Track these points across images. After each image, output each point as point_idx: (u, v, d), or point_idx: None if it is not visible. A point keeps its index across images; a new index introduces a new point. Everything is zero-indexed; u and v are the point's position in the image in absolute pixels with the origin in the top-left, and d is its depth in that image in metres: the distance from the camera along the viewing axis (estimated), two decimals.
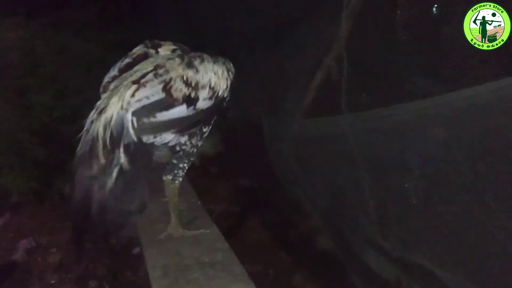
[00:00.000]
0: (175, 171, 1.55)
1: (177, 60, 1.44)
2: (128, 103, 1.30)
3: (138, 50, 1.57)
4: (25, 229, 3.26)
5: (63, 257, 3.00)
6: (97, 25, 4.16)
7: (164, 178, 1.55)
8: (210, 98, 1.47)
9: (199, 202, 1.92)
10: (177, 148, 1.51)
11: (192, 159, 1.57)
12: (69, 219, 1.41)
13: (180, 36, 4.46)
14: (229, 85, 1.52)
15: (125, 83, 1.36)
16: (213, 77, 1.46)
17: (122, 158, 1.27)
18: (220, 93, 1.50)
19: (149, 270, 1.40)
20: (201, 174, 4.07)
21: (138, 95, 1.31)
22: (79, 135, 1.36)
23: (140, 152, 1.32)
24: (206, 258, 1.45)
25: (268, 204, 3.43)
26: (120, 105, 1.30)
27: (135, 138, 1.30)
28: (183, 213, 1.75)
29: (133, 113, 1.31)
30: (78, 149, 1.35)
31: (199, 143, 1.55)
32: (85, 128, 1.35)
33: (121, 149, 1.28)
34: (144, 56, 1.53)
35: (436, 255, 2.18)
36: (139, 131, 1.32)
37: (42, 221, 3.32)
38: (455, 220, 2.06)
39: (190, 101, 1.41)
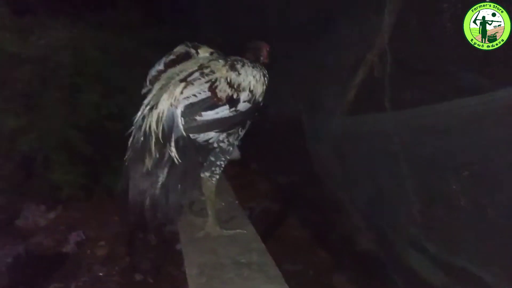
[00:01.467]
0: (213, 168, 1.59)
1: (221, 62, 1.50)
2: (177, 100, 1.36)
3: (180, 49, 1.64)
4: (75, 223, 3.42)
5: (110, 250, 3.12)
6: (140, 25, 4.26)
7: (202, 175, 1.59)
8: (249, 101, 1.52)
9: (236, 202, 1.93)
10: (215, 145, 1.54)
11: (228, 157, 1.61)
12: (120, 213, 1.46)
13: (220, 35, 4.53)
14: (264, 90, 1.57)
15: (173, 81, 1.42)
16: (252, 81, 1.51)
17: (173, 152, 1.33)
18: (257, 97, 1.55)
19: (186, 268, 1.42)
20: (242, 172, 4.10)
21: (186, 92, 1.38)
22: (130, 130, 1.44)
23: (188, 148, 1.38)
24: (242, 258, 1.46)
25: (308, 202, 3.40)
26: (170, 101, 1.36)
27: (184, 134, 1.36)
28: (221, 212, 1.78)
29: (182, 111, 1.36)
30: (130, 144, 1.42)
31: (235, 142, 1.59)
32: (136, 122, 1.43)
33: (172, 144, 1.33)
34: (186, 55, 1.61)
35: (484, 259, 2.08)
36: (187, 129, 1.37)
37: (91, 215, 3.47)
38: (507, 224, 1.96)
39: (232, 102, 1.46)
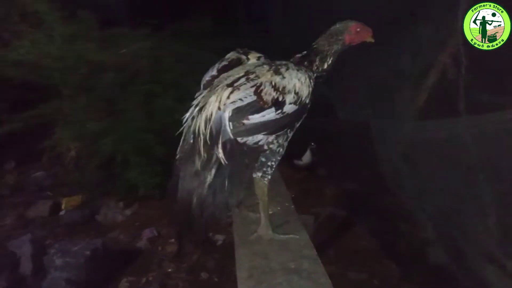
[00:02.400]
0: (264, 169, 1.62)
1: (266, 67, 1.54)
2: (224, 104, 1.41)
3: (231, 55, 1.70)
4: (149, 220, 3.62)
5: (179, 247, 3.25)
6: (213, 34, 4.42)
7: (254, 175, 1.62)
8: (295, 102, 1.53)
9: (292, 207, 1.92)
10: (265, 147, 1.57)
11: (279, 158, 1.63)
12: (170, 212, 1.54)
13: (290, 42, 4.56)
14: (310, 92, 1.57)
15: (221, 85, 1.48)
16: (297, 83, 1.53)
17: (221, 154, 1.38)
18: (303, 99, 1.55)
19: (237, 270, 1.45)
20: (309, 177, 4.08)
21: (233, 97, 1.43)
22: (180, 130, 1.52)
23: (235, 151, 1.43)
24: (292, 264, 1.45)
25: (377, 210, 3.29)
26: (217, 105, 1.42)
27: (231, 136, 1.41)
28: (276, 216, 1.79)
29: (230, 116, 1.41)
30: (180, 144, 1.50)
31: (285, 144, 1.61)
32: (185, 123, 1.51)
33: (220, 146, 1.39)
34: (238, 61, 1.66)
35: None
36: (236, 133, 1.41)
37: (163, 213, 3.66)
38: None
39: (278, 104, 1.49)
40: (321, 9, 3.87)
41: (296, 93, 1.51)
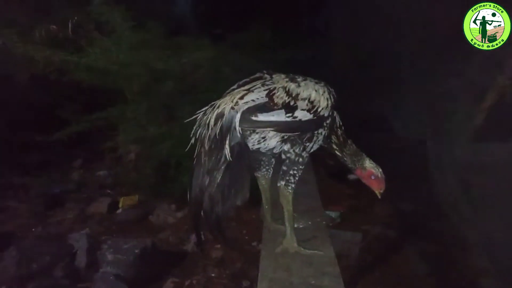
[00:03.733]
0: (287, 177, 1.64)
1: (283, 76, 1.58)
2: (237, 103, 1.46)
3: (255, 75, 1.74)
4: None
5: (224, 253, 3.30)
6: (272, 46, 4.48)
7: (278, 184, 1.65)
8: (309, 110, 1.57)
9: (324, 223, 1.89)
10: (283, 156, 1.63)
11: (301, 167, 1.64)
12: (188, 209, 1.61)
13: (351, 54, 4.52)
14: (329, 105, 1.58)
15: (237, 90, 1.55)
16: (313, 93, 1.57)
17: (227, 150, 1.43)
18: (319, 110, 1.59)
19: (258, 281, 1.46)
20: (361, 193, 3.97)
21: (246, 98, 1.48)
22: (193, 132, 1.58)
23: (243, 154, 1.47)
24: (313, 280, 1.43)
25: (428, 233, 3.13)
26: (231, 104, 1.47)
27: (239, 137, 1.46)
28: (305, 230, 1.78)
29: (241, 116, 1.46)
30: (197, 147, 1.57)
31: (304, 154, 1.62)
32: (198, 123, 1.57)
33: (227, 143, 1.44)
34: (260, 78, 1.69)
35: None
36: (242, 122, 1.46)
37: None
38: None
39: (288, 108, 1.54)
40: (384, 23, 3.82)
41: (310, 102, 1.56)
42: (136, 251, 3.04)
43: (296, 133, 1.57)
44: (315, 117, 1.57)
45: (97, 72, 3.71)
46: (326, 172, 4.38)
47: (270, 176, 1.78)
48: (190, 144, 1.62)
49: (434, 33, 2.84)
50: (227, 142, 1.46)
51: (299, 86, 1.57)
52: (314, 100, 1.57)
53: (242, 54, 4.11)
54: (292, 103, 1.53)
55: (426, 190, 3.11)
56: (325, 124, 1.63)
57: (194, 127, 1.60)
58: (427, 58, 2.97)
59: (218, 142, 1.47)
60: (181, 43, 4.25)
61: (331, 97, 1.62)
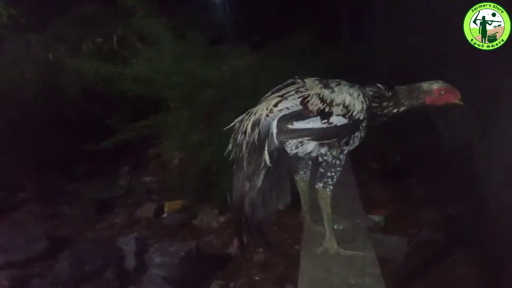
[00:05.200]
0: (324, 179, 1.64)
1: (316, 82, 1.59)
2: (272, 111, 1.48)
3: (288, 81, 1.75)
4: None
5: (267, 257, 3.31)
6: (312, 52, 4.48)
7: (316, 186, 1.65)
8: (344, 115, 1.57)
9: (364, 224, 1.88)
10: (320, 159, 1.63)
11: (339, 169, 1.64)
12: (231, 217, 1.64)
13: (392, 61, 4.44)
14: (364, 108, 1.57)
15: (271, 95, 1.57)
16: (348, 98, 1.56)
17: (267, 157, 1.45)
18: (354, 113, 1.58)
19: (298, 281, 1.47)
20: (406, 197, 3.89)
21: (280, 105, 1.50)
22: (231, 139, 1.61)
23: (282, 158, 1.49)
24: (353, 280, 1.43)
25: (479, 238, 3.00)
26: (266, 111, 1.49)
27: (276, 142, 1.48)
28: (345, 232, 1.77)
29: (277, 123, 1.49)
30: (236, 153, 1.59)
31: (341, 157, 1.62)
32: (235, 128, 1.60)
33: (266, 150, 1.46)
34: (292, 83, 1.71)
35: None
36: (280, 134, 1.48)
37: None
38: None
39: (323, 114, 1.54)
40: (427, 24, 3.75)
41: (346, 107, 1.55)
42: (182, 254, 3.13)
43: (334, 139, 1.58)
44: (351, 121, 1.57)
45: (141, 82, 3.86)
46: (369, 175, 4.32)
47: (308, 178, 1.78)
48: (227, 151, 1.65)
49: None
50: (266, 147, 1.48)
51: (333, 91, 1.56)
52: (349, 104, 1.56)
53: (281, 60, 4.14)
54: (327, 110, 1.53)
55: (475, 192, 2.98)
56: (361, 127, 1.62)
57: (232, 135, 1.63)
58: (474, 58, 2.88)
59: (256, 148, 1.49)
60: (221, 52, 4.35)
61: (366, 99, 1.61)
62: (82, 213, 4.04)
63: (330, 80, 1.65)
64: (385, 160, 4.48)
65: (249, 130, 1.52)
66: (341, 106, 1.55)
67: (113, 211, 4.14)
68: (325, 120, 1.53)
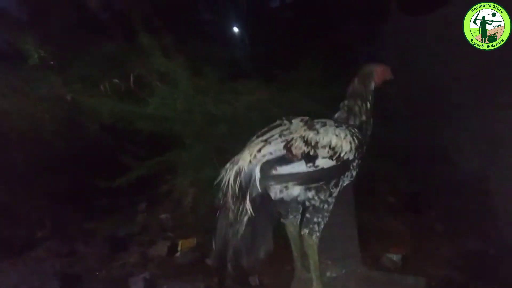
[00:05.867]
0: (311, 225, 1.59)
1: (301, 123, 1.56)
2: (255, 157, 1.46)
3: (275, 123, 1.73)
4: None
5: None
6: (322, 83, 4.46)
7: (301, 232, 1.60)
8: (331, 157, 1.55)
9: (358, 271, 1.79)
10: (307, 204, 1.58)
11: (326, 214, 1.58)
12: (212, 262, 1.59)
13: (407, 91, 4.36)
14: (353, 148, 1.52)
15: (255, 141, 1.54)
16: (334, 139, 1.52)
17: (249, 206, 1.41)
18: (342, 154, 1.55)
19: None
20: (424, 233, 3.73)
21: (264, 150, 1.47)
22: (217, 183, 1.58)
23: (265, 205, 1.45)
24: None
25: (502, 278, 2.83)
26: (249, 158, 1.46)
27: (260, 190, 1.44)
28: (338, 280, 1.69)
29: (260, 168, 1.45)
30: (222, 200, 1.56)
31: (330, 200, 1.56)
32: (220, 177, 1.57)
33: (248, 199, 1.42)
34: (279, 125, 1.68)
35: None
36: (263, 181, 1.44)
37: (268, 261, 3.68)
38: None
39: (308, 158, 1.53)
40: (443, 55, 3.70)
41: (332, 148, 1.52)
42: None
43: (321, 182, 1.53)
44: (339, 163, 1.53)
45: (156, 120, 3.91)
46: (387, 210, 4.17)
47: (298, 222, 1.73)
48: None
49: (496, 64, 2.69)
50: (248, 196, 1.45)
51: (317, 133, 1.54)
52: (336, 145, 1.53)
53: (294, 93, 4.13)
54: (312, 153, 1.50)
55: (495, 228, 2.84)
56: (351, 167, 1.58)
57: (219, 182, 1.61)
58: (490, 89, 2.80)
59: (239, 196, 1.47)
60: (235, 87, 4.39)
61: (355, 139, 1.57)
62: (96, 251, 4.04)
63: (316, 120, 1.63)
64: (401, 192, 4.33)
65: (231, 181, 1.49)
66: (327, 148, 1.52)
67: (128, 249, 4.13)
68: (311, 164, 1.50)
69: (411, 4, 4.66)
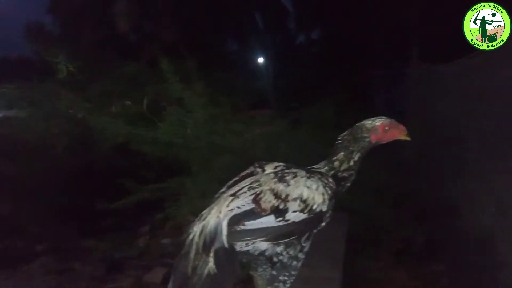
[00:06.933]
0: (275, 284, 1.49)
1: (271, 175, 1.48)
2: (223, 212, 1.39)
3: (247, 170, 1.67)
4: None
5: None
6: (335, 124, 4.40)
7: None
8: (302, 211, 1.44)
9: None
10: (274, 259, 1.49)
11: (294, 272, 1.48)
12: None
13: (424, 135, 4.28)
14: (326, 199, 1.44)
15: (225, 195, 1.47)
16: (305, 191, 1.45)
17: (210, 263, 1.34)
18: (315, 207, 1.46)
19: None
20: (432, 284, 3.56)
21: (231, 205, 1.40)
22: (183, 238, 1.51)
23: (228, 258, 1.37)
24: None
25: None
26: (216, 214, 1.40)
27: (226, 245, 1.37)
28: None
29: (227, 222, 1.38)
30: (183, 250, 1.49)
31: (300, 256, 1.47)
32: (188, 232, 1.50)
33: (211, 255, 1.35)
34: (250, 174, 1.62)
35: None
36: (230, 237, 1.37)
37: None
38: None
39: (278, 212, 1.43)
40: (460, 105, 3.63)
41: (303, 201, 1.44)
42: None
43: (291, 238, 1.45)
44: (311, 215, 1.45)
45: (164, 145, 3.92)
46: (395, 258, 4.02)
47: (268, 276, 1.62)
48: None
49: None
50: (211, 253, 1.39)
51: (288, 185, 1.46)
52: (308, 198, 1.45)
53: (303, 132, 4.10)
54: (282, 206, 1.43)
55: (504, 277, 2.68)
56: (324, 219, 1.50)
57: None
58: (502, 145, 2.71)
59: (202, 250, 1.41)
60: (247, 118, 4.39)
61: (327, 190, 1.49)
62: (92, 271, 4.00)
63: (287, 171, 1.55)
64: (410, 242, 4.18)
65: (196, 237, 1.44)
66: (298, 201, 1.44)
67: (124, 273, 4.07)
68: (280, 218, 1.42)
69: (432, 52, 4.64)
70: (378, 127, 1.63)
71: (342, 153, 1.63)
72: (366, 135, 1.63)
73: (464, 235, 3.26)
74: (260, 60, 8.10)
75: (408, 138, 1.66)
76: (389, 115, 1.75)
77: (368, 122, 1.66)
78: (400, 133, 1.66)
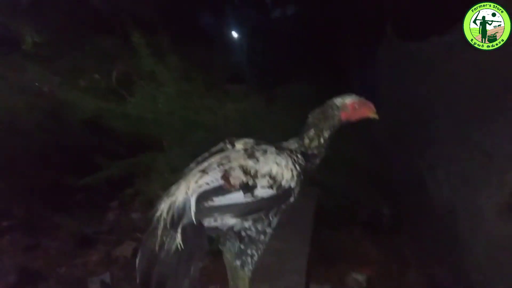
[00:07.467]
0: (243, 258, 1.52)
1: (241, 151, 1.48)
2: (192, 189, 1.38)
3: (217, 146, 1.67)
4: (217, 276, 3.55)
5: None
6: (313, 101, 4.40)
7: (233, 264, 1.52)
8: (271, 187, 1.45)
9: None
10: (242, 234, 1.50)
11: (261, 246, 1.50)
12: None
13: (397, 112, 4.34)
14: (295, 175, 1.45)
15: (194, 171, 1.46)
16: (275, 167, 1.44)
17: (179, 238, 1.34)
18: (283, 183, 1.46)
19: None
20: (392, 258, 3.68)
21: (200, 181, 1.39)
22: (151, 214, 1.51)
23: (196, 234, 1.37)
24: None
25: None
26: (185, 190, 1.39)
27: (194, 221, 1.36)
28: None
29: (196, 199, 1.38)
30: (151, 226, 1.49)
31: (267, 230, 1.49)
32: (156, 208, 1.50)
33: (179, 231, 1.35)
34: (220, 150, 1.62)
35: None
36: (198, 213, 1.37)
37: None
38: None
39: (247, 188, 1.43)
40: (431, 84, 3.68)
41: (272, 178, 1.44)
42: None
43: (260, 213, 1.46)
44: (279, 191, 1.46)
45: (134, 120, 3.85)
46: (360, 231, 4.13)
47: (236, 250, 1.63)
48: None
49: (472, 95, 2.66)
50: (179, 229, 1.38)
51: (257, 161, 1.47)
52: (276, 174, 1.46)
53: (277, 109, 4.09)
54: (251, 182, 1.43)
55: (460, 257, 2.80)
56: (293, 195, 1.51)
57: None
58: (468, 122, 2.78)
59: (170, 226, 1.40)
60: (221, 94, 4.34)
61: (296, 166, 1.51)
62: (61, 246, 3.96)
63: (257, 147, 1.56)
64: (375, 214, 4.30)
65: (164, 213, 1.43)
66: (267, 177, 1.45)
67: (93, 247, 4.04)
68: (249, 194, 1.42)
69: (406, 30, 4.65)
70: (348, 105, 1.64)
71: (312, 130, 1.63)
72: (336, 113, 1.64)
73: (427, 208, 3.36)
74: (236, 35, 7.95)
75: (376, 117, 1.67)
76: (362, 94, 1.75)
77: (338, 100, 1.66)
78: (369, 112, 1.67)
